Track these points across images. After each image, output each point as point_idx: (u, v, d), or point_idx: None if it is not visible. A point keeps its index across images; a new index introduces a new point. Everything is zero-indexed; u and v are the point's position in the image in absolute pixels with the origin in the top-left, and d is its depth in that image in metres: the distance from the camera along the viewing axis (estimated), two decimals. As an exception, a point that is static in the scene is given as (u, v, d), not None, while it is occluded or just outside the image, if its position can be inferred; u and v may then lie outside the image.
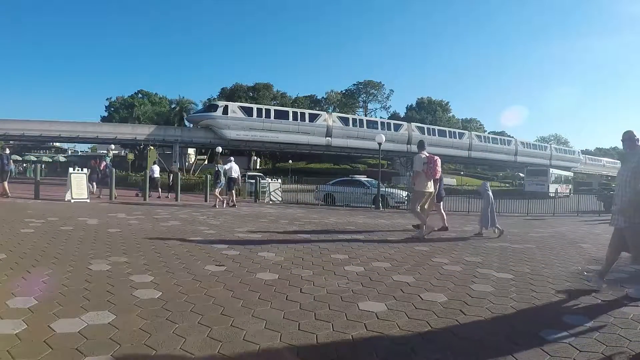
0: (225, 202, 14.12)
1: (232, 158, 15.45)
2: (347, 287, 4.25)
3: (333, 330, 3.09)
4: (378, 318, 3.36)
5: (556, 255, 6.43)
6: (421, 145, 8.04)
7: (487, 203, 8.30)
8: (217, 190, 13.93)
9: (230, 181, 14.21)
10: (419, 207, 7.85)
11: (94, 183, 15.85)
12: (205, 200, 16.51)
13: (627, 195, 4.22)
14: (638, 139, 4.34)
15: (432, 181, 7.87)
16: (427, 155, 7.82)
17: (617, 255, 4.50)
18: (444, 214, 9.17)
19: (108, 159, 19.38)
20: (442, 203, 9.36)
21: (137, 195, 17.46)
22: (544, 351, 2.79)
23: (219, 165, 14.81)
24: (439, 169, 7.90)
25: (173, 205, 13.86)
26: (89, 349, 2.63)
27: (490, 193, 8.47)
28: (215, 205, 13.68)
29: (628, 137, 4.40)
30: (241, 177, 16.64)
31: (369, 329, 3.13)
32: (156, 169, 18.77)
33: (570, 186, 38.80)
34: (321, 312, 3.48)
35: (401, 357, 2.68)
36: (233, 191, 14.36)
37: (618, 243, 4.38)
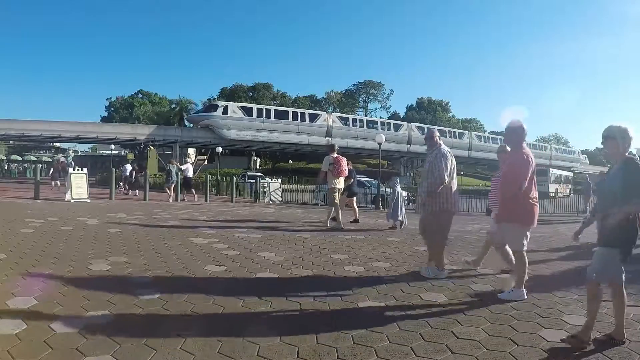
0: (179, 197, 16.24)
1: (189, 160, 18.61)
2: (347, 287, 4.25)
3: (333, 330, 3.09)
4: (378, 318, 3.36)
5: (556, 255, 6.42)
6: (331, 147, 9.05)
7: (394, 197, 9.15)
8: (170, 187, 15.99)
9: (187, 179, 16.24)
10: (337, 201, 8.92)
11: (57, 182, 19.21)
12: (206, 201, 16.51)
13: (423, 187, 4.94)
14: (439, 136, 5.10)
15: (340, 179, 8.95)
16: (334, 156, 8.80)
17: (445, 241, 5.01)
18: (356, 208, 10.31)
19: (69, 159, 23.23)
20: (354, 198, 10.36)
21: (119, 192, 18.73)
22: (544, 351, 2.79)
23: (170, 165, 16.67)
24: (344, 168, 8.89)
25: (134, 200, 13.85)
26: (89, 349, 2.63)
27: (399, 188, 9.21)
28: (169, 200, 15.57)
29: (429, 135, 5.07)
30: (240, 176, 18.92)
31: (369, 329, 3.13)
32: (128, 167, 20.58)
33: (570, 186, 38.81)
34: (321, 311, 3.48)
35: (401, 357, 2.68)
36: (192, 188, 16.53)
37: (431, 229, 4.89)
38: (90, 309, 3.33)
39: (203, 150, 51.66)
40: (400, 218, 8.89)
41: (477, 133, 59.30)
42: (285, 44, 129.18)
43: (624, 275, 3.06)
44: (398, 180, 9.94)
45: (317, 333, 3.02)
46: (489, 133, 68.26)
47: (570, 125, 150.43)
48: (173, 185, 15.99)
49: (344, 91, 78.52)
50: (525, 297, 3.90)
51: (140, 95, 69.23)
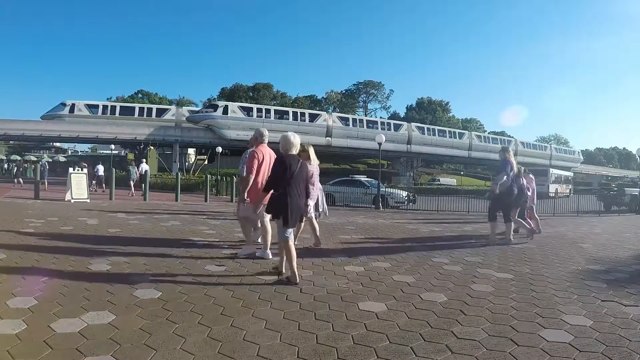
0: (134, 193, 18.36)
1: (144, 160, 22.47)
2: (347, 287, 4.25)
3: (333, 330, 3.09)
4: (378, 318, 3.37)
5: (556, 255, 6.43)
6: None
7: (322, 194, 9.71)
8: (132, 183, 18.59)
9: (144, 177, 17.94)
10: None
11: (21, 179, 23.17)
12: (206, 201, 16.51)
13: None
14: (263, 136, 6.07)
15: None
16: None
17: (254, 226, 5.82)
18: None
19: (43, 160, 27.21)
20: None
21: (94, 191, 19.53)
22: (544, 351, 2.79)
23: (130, 166, 20.04)
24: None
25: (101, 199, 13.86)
26: (89, 349, 2.63)
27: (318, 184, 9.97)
28: (131, 194, 17.87)
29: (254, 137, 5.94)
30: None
31: (369, 329, 3.13)
32: (101, 167, 22.26)
33: (570, 186, 38.78)
34: (321, 312, 3.48)
35: (401, 357, 2.68)
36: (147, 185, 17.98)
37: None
38: (90, 309, 3.33)
39: (203, 150, 51.65)
40: (320, 210, 9.41)
41: (477, 133, 59.24)
42: (286, 44, 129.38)
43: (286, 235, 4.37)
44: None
45: (317, 333, 3.02)
46: (489, 133, 68.28)
47: (570, 125, 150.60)
48: (134, 182, 18.64)
49: (344, 91, 78.55)
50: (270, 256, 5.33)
51: (140, 95, 69.16)
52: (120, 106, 43.97)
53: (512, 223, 7.53)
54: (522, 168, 8.76)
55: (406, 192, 18.55)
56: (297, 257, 4.44)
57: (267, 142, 6.06)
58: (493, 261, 5.79)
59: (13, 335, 2.79)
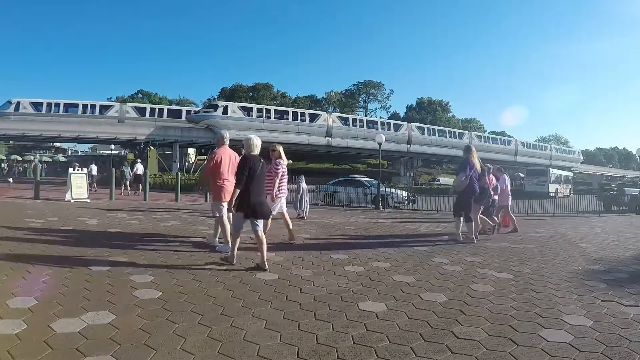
0: (134, 191, 19.37)
1: (139, 160, 22.78)
2: (347, 287, 4.25)
3: (333, 330, 3.09)
4: (378, 318, 3.37)
5: (556, 255, 6.43)
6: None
7: (298, 192, 11.04)
8: (127, 183, 19.54)
9: (137, 177, 19.41)
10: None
11: (11, 179, 23.95)
12: (206, 201, 16.49)
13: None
14: (224, 139, 6.39)
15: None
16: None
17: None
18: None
19: (37, 160, 28.31)
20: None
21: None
22: (544, 351, 2.79)
23: (124, 166, 20.41)
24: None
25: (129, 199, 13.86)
26: (89, 349, 2.63)
27: (303, 185, 11.28)
28: (128, 194, 18.64)
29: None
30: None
31: (369, 329, 3.13)
32: (94, 167, 23.32)
33: (570, 186, 38.79)
34: (321, 312, 3.48)
35: (401, 357, 2.68)
36: (140, 184, 18.93)
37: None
38: (90, 309, 3.33)
39: (203, 150, 51.64)
40: (303, 208, 10.74)
41: (477, 133, 59.22)
42: (286, 44, 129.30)
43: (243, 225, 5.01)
44: (303, 178, 11.80)
45: (317, 333, 3.02)
46: (489, 133, 68.27)
47: (570, 125, 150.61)
48: (127, 181, 19.62)
49: (344, 91, 78.55)
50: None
51: (140, 95, 69.20)
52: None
53: (474, 222, 7.70)
54: (491, 167, 8.95)
55: (406, 192, 18.55)
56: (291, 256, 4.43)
57: (227, 143, 6.46)
58: (493, 261, 5.79)
59: (13, 335, 2.80)
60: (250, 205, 4.86)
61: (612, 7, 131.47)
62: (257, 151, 5.17)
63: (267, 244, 5.11)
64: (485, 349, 2.81)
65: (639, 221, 13.69)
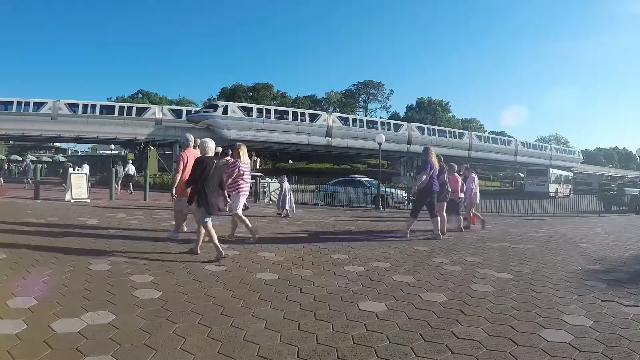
0: (127, 190, 19.84)
1: (130, 160, 23.93)
2: (347, 287, 4.25)
3: (333, 330, 3.09)
4: (378, 318, 3.37)
5: (556, 255, 6.43)
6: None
7: (281, 191, 11.54)
8: (119, 182, 19.48)
9: (129, 177, 20.53)
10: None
11: (1, 179, 23.94)
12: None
13: None
14: (189, 141, 6.89)
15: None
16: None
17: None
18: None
19: (28, 160, 29.97)
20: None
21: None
22: (544, 351, 2.79)
23: (117, 166, 20.76)
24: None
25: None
26: (89, 349, 2.63)
27: (285, 184, 11.62)
28: (118, 192, 18.26)
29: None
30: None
31: (369, 329, 3.13)
32: (86, 167, 22.69)
33: (570, 186, 38.79)
34: (321, 312, 3.48)
35: (401, 357, 2.68)
36: (131, 183, 20.25)
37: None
38: (90, 309, 3.33)
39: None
40: (287, 207, 11.27)
41: (477, 133, 59.18)
42: (286, 44, 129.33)
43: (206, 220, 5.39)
44: (285, 178, 12.26)
45: (317, 333, 3.02)
46: (489, 133, 68.25)
47: (570, 125, 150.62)
48: (119, 181, 19.78)
49: (344, 91, 78.54)
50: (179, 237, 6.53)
51: (140, 95, 69.22)
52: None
53: (439, 218, 7.99)
54: (455, 165, 9.42)
55: (406, 192, 18.54)
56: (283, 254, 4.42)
57: (192, 145, 6.92)
58: (493, 261, 5.79)
59: (13, 335, 2.80)
60: (204, 201, 5.35)
61: (612, 7, 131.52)
62: (211, 153, 5.65)
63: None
64: (485, 349, 2.81)
65: (639, 221, 13.69)
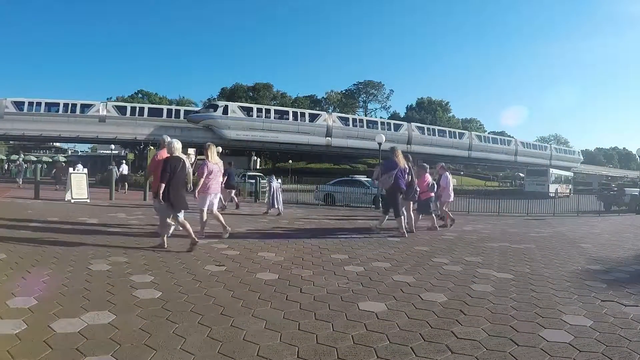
0: (122, 189, 20.33)
1: (123, 161, 25.04)
2: (347, 287, 4.25)
3: (333, 330, 3.09)
4: (378, 318, 3.37)
5: (556, 255, 6.43)
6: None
7: (270, 191, 11.79)
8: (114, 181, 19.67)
9: (122, 176, 20.96)
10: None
11: None
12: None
13: None
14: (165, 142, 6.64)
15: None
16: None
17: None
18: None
19: (20, 159, 30.02)
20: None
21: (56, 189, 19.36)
22: (544, 351, 2.79)
23: (111, 166, 21.51)
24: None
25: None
26: (89, 349, 2.63)
27: (274, 184, 11.82)
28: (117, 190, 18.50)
29: None
30: (240, 176, 21.87)
31: (369, 329, 3.13)
32: (80, 167, 23.46)
33: (570, 186, 38.77)
34: (321, 312, 3.48)
35: (401, 357, 2.68)
36: (126, 183, 20.92)
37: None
38: (90, 309, 3.33)
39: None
40: (276, 206, 11.60)
41: (477, 133, 59.19)
42: (286, 44, 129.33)
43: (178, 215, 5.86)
44: (274, 177, 12.49)
45: (317, 333, 3.02)
46: (489, 133, 68.24)
47: (570, 125, 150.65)
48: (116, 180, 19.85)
49: (344, 91, 78.52)
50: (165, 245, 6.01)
51: (140, 95, 69.19)
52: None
53: (403, 217, 8.12)
54: (427, 165, 9.70)
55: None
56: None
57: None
58: (493, 261, 5.79)
59: (13, 335, 2.80)
60: (170, 198, 5.74)
61: (612, 7, 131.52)
62: (177, 153, 5.98)
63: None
64: (485, 349, 2.81)
65: (639, 221, 13.69)
